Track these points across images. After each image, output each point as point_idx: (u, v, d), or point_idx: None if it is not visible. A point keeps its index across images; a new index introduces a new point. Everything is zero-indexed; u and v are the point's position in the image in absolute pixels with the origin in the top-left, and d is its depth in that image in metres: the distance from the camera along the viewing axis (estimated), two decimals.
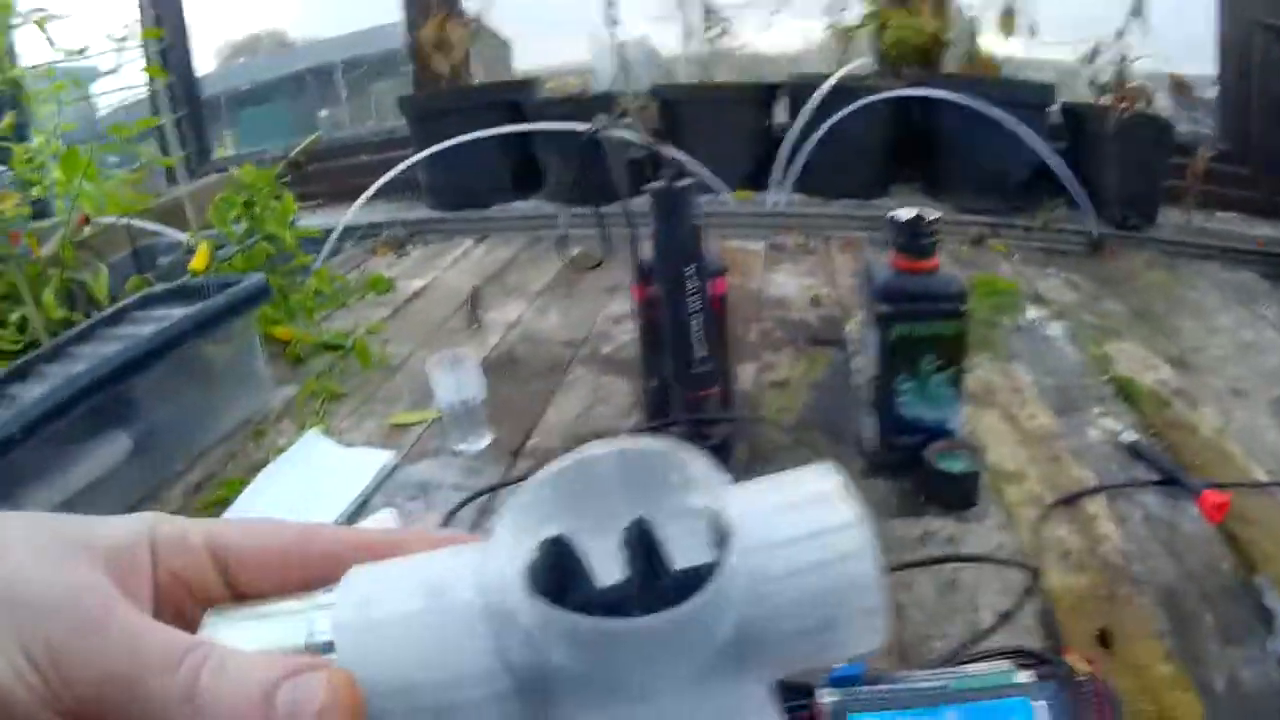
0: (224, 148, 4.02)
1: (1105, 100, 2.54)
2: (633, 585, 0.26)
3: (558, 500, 0.27)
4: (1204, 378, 1.66)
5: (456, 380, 1.48)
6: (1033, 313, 2.00)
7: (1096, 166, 2.57)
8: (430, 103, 3.37)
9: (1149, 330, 1.89)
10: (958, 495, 1.26)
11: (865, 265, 1.35)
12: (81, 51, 1.96)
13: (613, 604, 0.25)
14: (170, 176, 3.01)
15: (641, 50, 3.50)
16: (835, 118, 2.76)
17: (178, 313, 1.60)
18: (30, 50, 2.01)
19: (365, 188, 2.82)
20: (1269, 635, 0.98)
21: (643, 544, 0.27)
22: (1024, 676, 0.73)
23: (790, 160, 2.89)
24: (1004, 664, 0.77)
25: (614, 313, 2.12)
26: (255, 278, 1.74)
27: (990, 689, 0.72)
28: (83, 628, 0.26)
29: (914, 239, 1.25)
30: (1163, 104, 2.62)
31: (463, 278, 2.55)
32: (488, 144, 2.93)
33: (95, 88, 2.78)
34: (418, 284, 2.54)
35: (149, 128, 2.56)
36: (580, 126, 2.69)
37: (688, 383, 1.28)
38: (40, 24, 1.88)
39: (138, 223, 2.19)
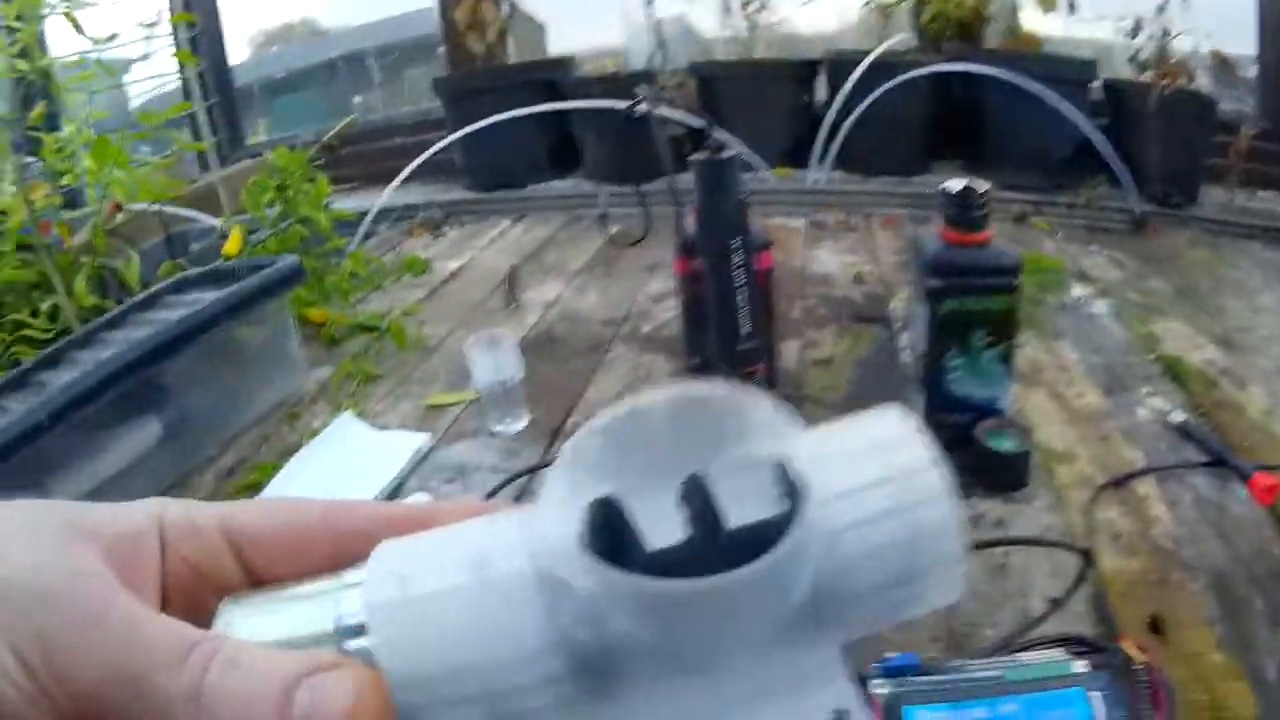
0: (256, 136, 4.01)
1: (1146, 77, 2.47)
2: (693, 546, 0.23)
3: (608, 456, 0.24)
4: (1250, 358, 1.60)
5: (494, 360, 1.44)
6: (1077, 290, 1.95)
7: (1138, 144, 2.50)
8: (465, 83, 3.32)
9: (1193, 309, 1.83)
10: (1008, 476, 1.21)
11: (913, 239, 1.30)
12: (110, 39, 1.93)
13: (670, 567, 0.22)
14: (203, 162, 3.00)
15: (679, 28, 3.45)
16: (876, 93, 2.70)
17: (210, 296, 1.57)
18: (61, 39, 1.98)
19: (400, 170, 2.79)
20: None
21: (701, 500, 0.24)
22: (1080, 666, 0.72)
23: (830, 137, 2.83)
24: (1058, 653, 0.76)
25: (654, 291, 2.07)
26: (288, 259, 1.71)
27: (1047, 679, 0.71)
28: (79, 619, 0.24)
29: (965, 211, 1.19)
30: (1203, 81, 2.54)
31: (500, 258, 2.51)
32: (524, 123, 2.87)
33: (127, 77, 2.77)
34: (454, 265, 2.50)
35: (180, 114, 2.53)
36: (618, 104, 2.68)
37: (732, 360, 1.23)
38: (69, 14, 1.84)
39: (170, 209, 2.17)
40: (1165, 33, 2.47)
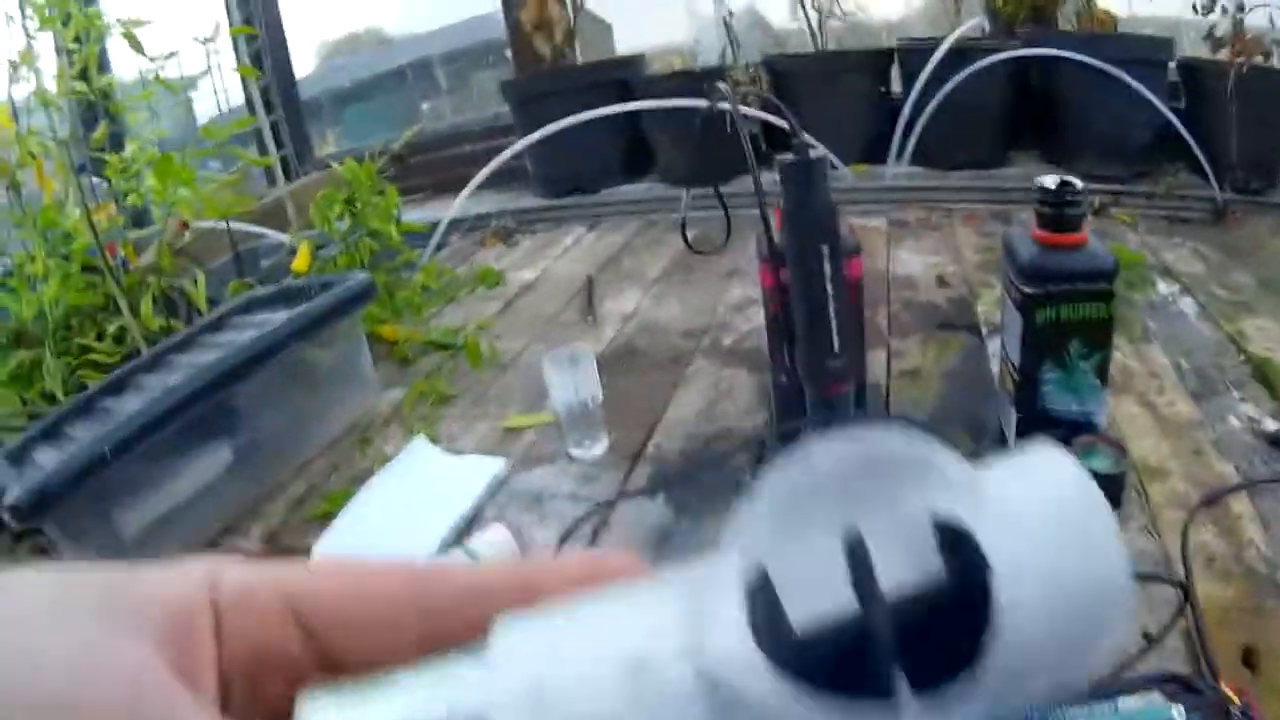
0: (325, 146, 4.01)
1: (1222, 55, 2.33)
2: (857, 624, 0.20)
3: (774, 520, 0.21)
4: None
5: (574, 380, 1.37)
6: (1163, 287, 1.85)
7: (1215, 127, 2.36)
8: (533, 86, 3.25)
9: (1279, 304, 1.72)
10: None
11: (1005, 239, 1.20)
12: (170, 56, 1.90)
13: (834, 647, 0.20)
14: (270, 177, 2.98)
15: (749, 20, 3.37)
16: (953, 82, 2.59)
17: (280, 316, 1.54)
18: (124, 57, 1.96)
19: (469, 178, 2.73)
20: None
21: (863, 563, 0.21)
22: (1178, 711, 0.71)
23: (908, 130, 2.73)
24: (1157, 696, 0.74)
25: (735, 299, 2.00)
26: (359, 276, 1.66)
27: None
28: None
29: (1061, 210, 1.10)
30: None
31: (574, 267, 2.45)
32: (595, 126, 2.79)
33: (193, 93, 2.76)
34: (528, 275, 2.45)
35: (245, 129, 2.50)
36: (693, 102, 2.61)
37: (821, 377, 1.14)
38: (128, 33, 1.82)
39: (238, 225, 2.13)
40: (1241, 7, 2.32)
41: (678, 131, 2.88)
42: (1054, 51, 2.52)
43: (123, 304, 1.77)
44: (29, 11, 1.78)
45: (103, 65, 1.99)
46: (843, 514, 0.21)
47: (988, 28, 2.89)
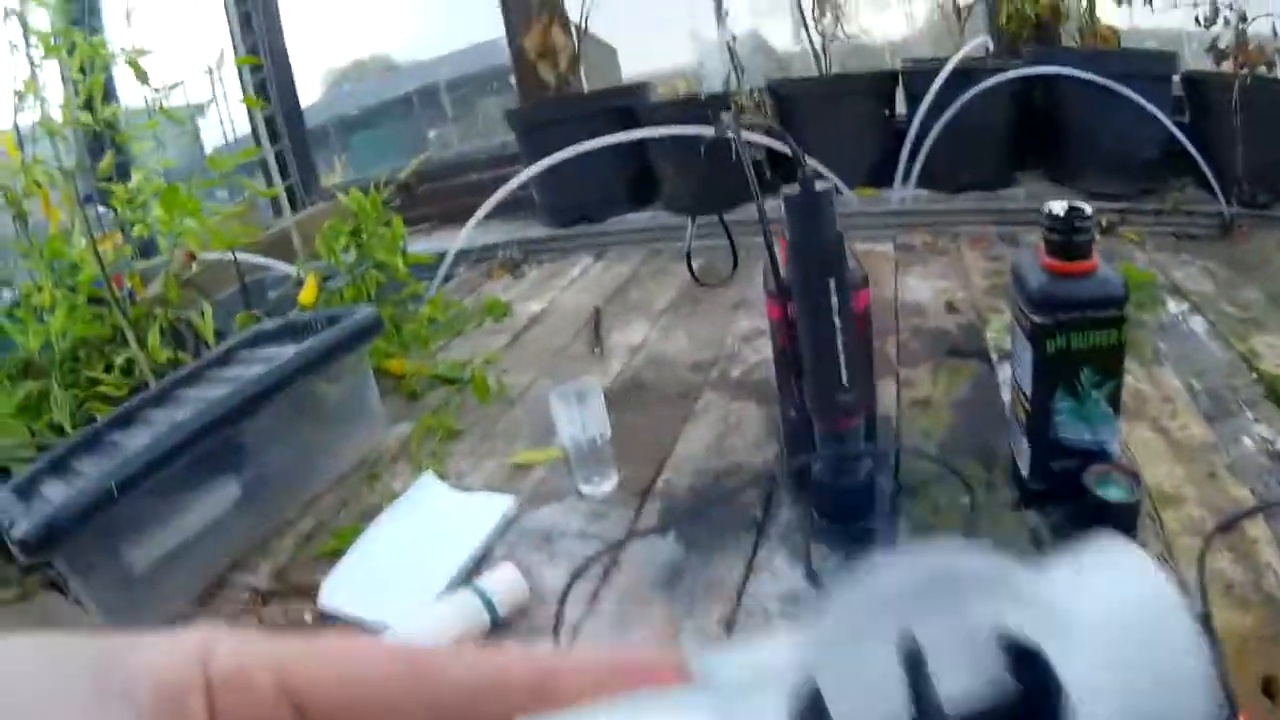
0: (332, 174, 4.01)
1: (1225, 67, 2.32)
2: None
3: (827, 633, 0.21)
4: None
5: (581, 416, 1.36)
6: (1173, 306, 1.84)
7: (1220, 140, 2.35)
8: (537, 114, 3.26)
9: None
10: (1116, 529, 1.09)
11: (1013, 267, 1.18)
12: (174, 87, 1.90)
13: None
14: (278, 207, 2.98)
15: (752, 44, 3.37)
16: (958, 103, 2.58)
17: (287, 351, 1.54)
18: (129, 86, 1.96)
19: (476, 207, 2.73)
20: None
21: (919, 676, 0.20)
22: None
23: (913, 153, 2.72)
24: None
25: (743, 330, 1.99)
26: (365, 311, 1.65)
27: None
28: None
29: (1069, 236, 1.08)
30: None
31: (582, 297, 2.45)
32: (600, 154, 2.79)
33: (202, 121, 2.76)
34: (535, 307, 2.45)
35: (250, 159, 2.51)
36: (698, 130, 2.61)
37: (830, 412, 1.13)
38: (132, 62, 1.82)
39: (245, 256, 2.13)
40: (1243, 17, 2.31)
41: (683, 159, 2.88)
42: (1058, 69, 2.52)
43: (130, 336, 1.77)
44: (33, 40, 1.78)
45: (109, 94, 2.00)
46: (900, 625, 0.20)
47: (991, 47, 2.88)
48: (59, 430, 1.67)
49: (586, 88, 3.46)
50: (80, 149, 1.99)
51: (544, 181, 2.93)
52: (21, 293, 1.83)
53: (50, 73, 1.85)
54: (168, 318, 1.86)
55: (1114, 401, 1.14)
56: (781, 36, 3.44)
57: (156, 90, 1.87)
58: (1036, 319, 1.10)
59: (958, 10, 2.95)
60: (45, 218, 1.84)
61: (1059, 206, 1.09)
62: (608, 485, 1.40)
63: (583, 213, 3.16)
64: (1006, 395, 1.38)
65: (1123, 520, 1.10)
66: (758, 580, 1.14)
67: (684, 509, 1.32)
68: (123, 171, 2.03)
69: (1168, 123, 2.38)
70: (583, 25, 3.32)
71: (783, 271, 1.12)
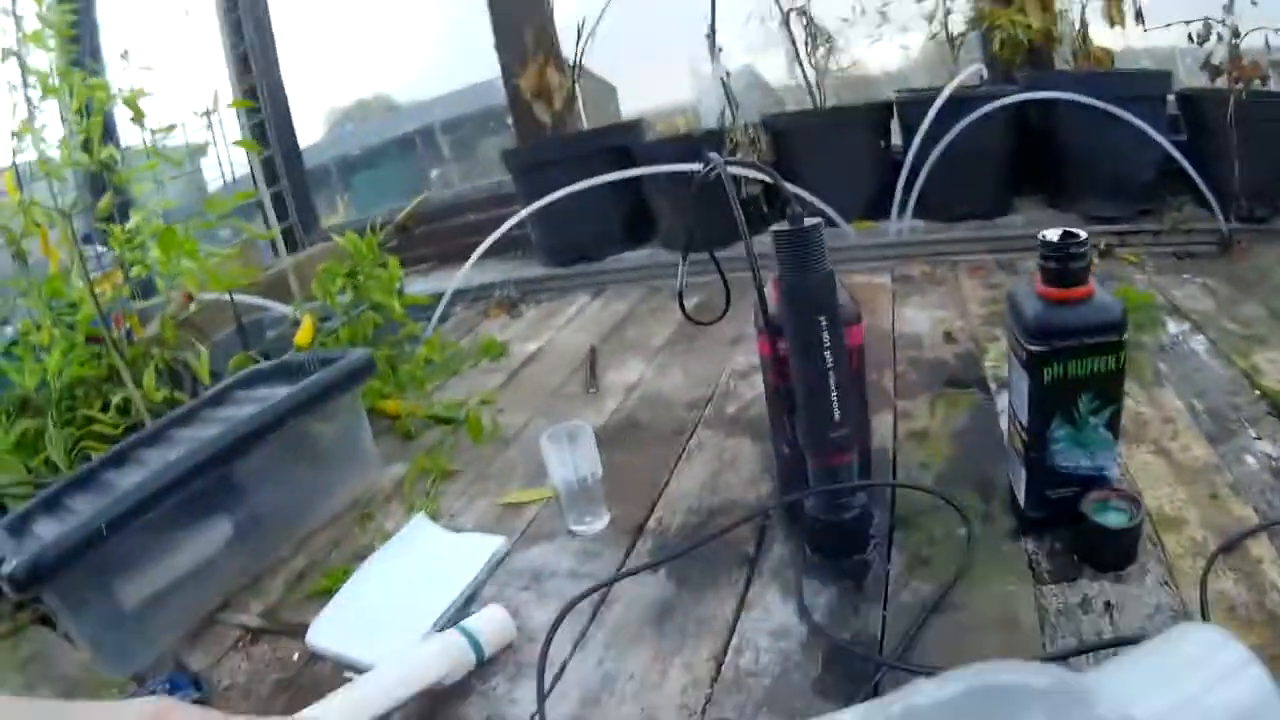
0: (334, 215, 4.04)
1: (1221, 83, 2.33)
2: None
3: None
4: None
5: (572, 458, 1.36)
6: (1173, 326, 1.84)
7: (1217, 156, 2.35)
8: (533, 154, 3.28)
9: None
10: (1116, 554, 1.10)
11: (1009, 296, 1.18)
12: (170, 129, 1.92)
13: None
14: (277, 248, 3.00)
15: (747, 80, 3.39)
16: (953, 132, 2.58)
17: (280, 391, 1.54)
18: (130, 126, 1.98)
19: (474, 248, 2.74)
20: None
21: None
22: None
23: (909, 183, 2.72)
24: None
25: (739, 365, 2.00)
26: (358, 353, 1.66)
27: None
28: None
29: (1065, 263, 1.07)
30: (1277, 84, 2.37)
31: (578, 337, 2.45)
32: (596, 193, 2.79)
33: (204, 161, 2.79)
34: (532, 346, 2.45)
35: (247, 200, 2.53)
36: (690, 167, 2.62)
37: (823, 448, 1.13)
38: (131, 103, 1.84)
39: (242, 297, 2.14)
40: (1236, 32, 2.31)
41: (678, 196, 2.89)
42: (1052, 94, 2.52)
43: (126, 375, 1.78)
44: (31, 80, 1.80)
45: (109, 133, 2.01)
46: None
47: (986, 74, 2.90)
48: (54, 468, 1.68)
49: (586, 126, 3.49)
50: (81, 189, 2.00)
51: (541, 221, 2.94)
52: (20, 331, 1.84)
53: (50, 113, 1.87)
54: (164, 358, 1.87)
55: (1113, 426, 1.13)
56: (776, 71, 3.45)
57: (154, 132, 1.89)
58: (1033, 348, 1.09)
59: (951, 39, 2.96)
60: (45, 257, 1.85)
61: (1053, 233, 1.08)
62: (599, 524, 1.40)
63: (580, 252, 3.16)
64: (1005, 424, 1.37)
65: (1122, 546, 1.10)
66: (749, 617, 1.13)
67: (676, 547, 1.32)
68: (124, 212, 2.05)
69: (1164, 142, 2.38)
70: (577, 64, 3.34)
71: (774, 308, 1.12)
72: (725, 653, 1.07)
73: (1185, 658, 0.18)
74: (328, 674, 1.18)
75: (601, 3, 3.22)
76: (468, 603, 1.27)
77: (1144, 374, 1.62)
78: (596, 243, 3.17)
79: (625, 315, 2.60)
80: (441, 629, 1.17)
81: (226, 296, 2.05)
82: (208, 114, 1.93)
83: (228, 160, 2.93)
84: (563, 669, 1.09)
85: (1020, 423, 1.17)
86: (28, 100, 1.82)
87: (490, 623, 1.14)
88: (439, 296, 2.65)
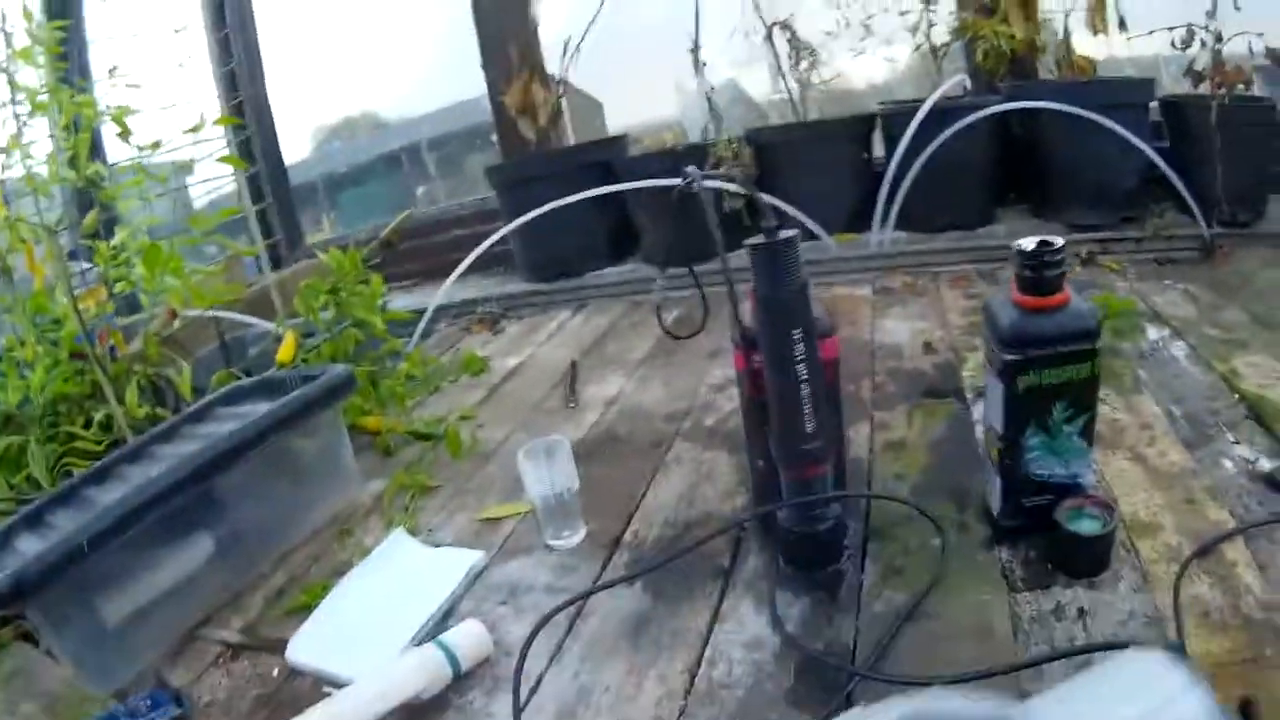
0: (320, 231, 4.04)
1: (1204, 88, 2.34)
2: None
3: None
4: None
5: (549, 473, 1.37)
6: (1153, 333, 1.85)
7: (1199, 162, 2.36)
8: (517, 170, 3.29)
9: (1273, 337, 1.72)
10: (1089, 561, 1.11)
11: (985, 306, 1.19)
12: (156, 146, 1.93)
13: None
14: (261, 265, 3.01)
15: (731, 94, 3.41)
16: (936, 143, 2.58)
17: (261, 408, 1.55)
18: (117, 143, 1.99)
19: (458, 263, 2.75)
20: None
21: None
22: None
23: (891, 195, 2.72)
24: None
25: (717, 379, 2.01)
26: (339, 369, 1.67)
27: None
28: None
29: (1039, 271, 1.08)
30: (1259, 88, 2.40)
31: (559, 352, 2.46)
32: (580, 208, 2.80)
33: (191, 178, 2.79)
34: (513, 362, 2.46)
35: (233, 217, 2.54)
36: (670, 182, 2.63)
37: (797, 460, 1.14)
38: (118, 119, 1.85)
39: (226, 314, 2.15)
40: (1219, 37, 2.32)
41: (659, 211, 2.90)
42: (1035, 104, 2.52)
43: (109, 392, 1.78)
44: (20, 96, 1.81)
45: (97, 150, 2.02)
46: None
47: (969, 85, 2.91)
48: (37, 484, 1.68)
49: (573, 142, 3.50)
50: (67, 205, 2.01)
51: (523, 237, 2.95)
52: (4, 346, 1.85)
53: (38, 129, 1.87)
54: (147, 374, 1.88)
55: (1087, 434, 1.14)
56: (760, 85, 3.46)
57: (140, 149, 1.90)
58: (1007, 356, 1.10)
59: (934, 50, 2.98)
60: (30, 273, 1.86)
61: (1028, 242, 1.09)
62: (576, 538, 1.41)
63: (563, 267, 3.17)
64: (980, 433, 1.38)
65: (1094, 553, 1.11)
66: (723, 629, 1.14)
67: (652, 559, 1.33)
68: (109, 228, 2.05)
69: (1147, 149, 2.38)
70: (562, 80, 3.36)
71: (749, 321, 1.13)
72: (699, 664, 1.08)
73: (1126, 685, 0.19)
74: (307, 689, 1.18)
75: (587, 19, 3.24)
76: (445, 617, 1.27)
77: (1123, 381, 1.63)
78: (579, 258, 3.18)
79: (606, 330, 2.62)
80: (419, 643, 1.18)
81: (210, 313, 2.06)
82: (193, 131, 1.93)
83: (214, 177, 2.94)
84: (539, 682, 1.10)
85: (995, 431, 1.18)
86: (16, 116, 1.82)
87: (467, 637, 1.15)
88: (422, 312, 2.66)
